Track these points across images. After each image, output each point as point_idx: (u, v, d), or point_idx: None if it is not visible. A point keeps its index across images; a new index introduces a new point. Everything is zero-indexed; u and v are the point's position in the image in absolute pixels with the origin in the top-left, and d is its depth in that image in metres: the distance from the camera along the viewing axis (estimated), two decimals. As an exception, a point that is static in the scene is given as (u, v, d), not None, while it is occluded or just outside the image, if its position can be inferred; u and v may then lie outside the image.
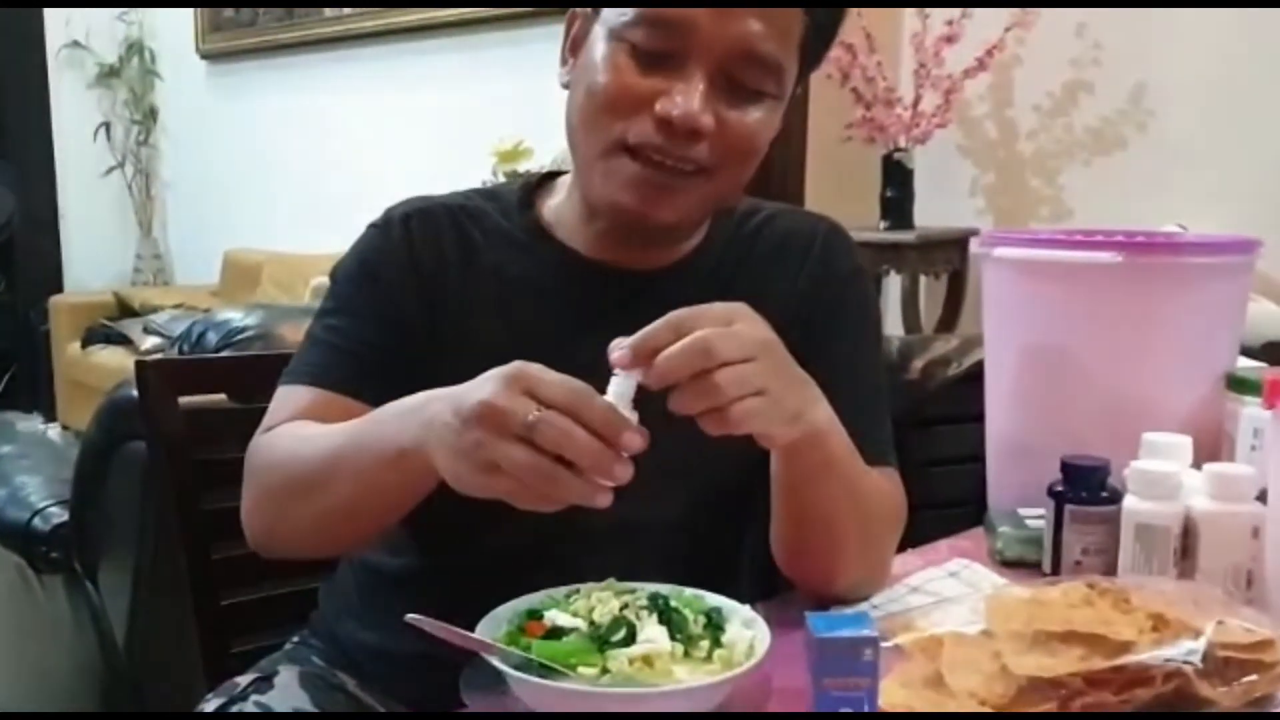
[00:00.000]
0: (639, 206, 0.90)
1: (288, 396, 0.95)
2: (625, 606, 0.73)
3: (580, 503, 0.69)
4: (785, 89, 0.92)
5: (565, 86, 0.95)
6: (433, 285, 0.96)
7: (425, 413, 0.75)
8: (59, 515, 1.76)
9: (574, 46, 0.95)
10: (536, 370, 0.71)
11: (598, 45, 0.90)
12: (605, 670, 0.69)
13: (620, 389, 0.73)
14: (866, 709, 0.68)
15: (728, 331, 0.75)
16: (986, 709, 0.71)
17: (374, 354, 0.95)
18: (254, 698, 0.98)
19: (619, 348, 0.74)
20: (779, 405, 0.76)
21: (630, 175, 0.89)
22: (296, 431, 0.91)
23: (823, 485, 0.87)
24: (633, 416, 0.71)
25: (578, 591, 0.78)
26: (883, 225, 2.88)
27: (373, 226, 1.00)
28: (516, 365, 0.71)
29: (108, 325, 4.38)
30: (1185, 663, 0.72)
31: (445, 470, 0.73)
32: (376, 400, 0.87)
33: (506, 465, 0.69)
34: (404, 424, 0.78)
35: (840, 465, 0.87)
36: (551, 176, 1.05)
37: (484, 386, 0.70)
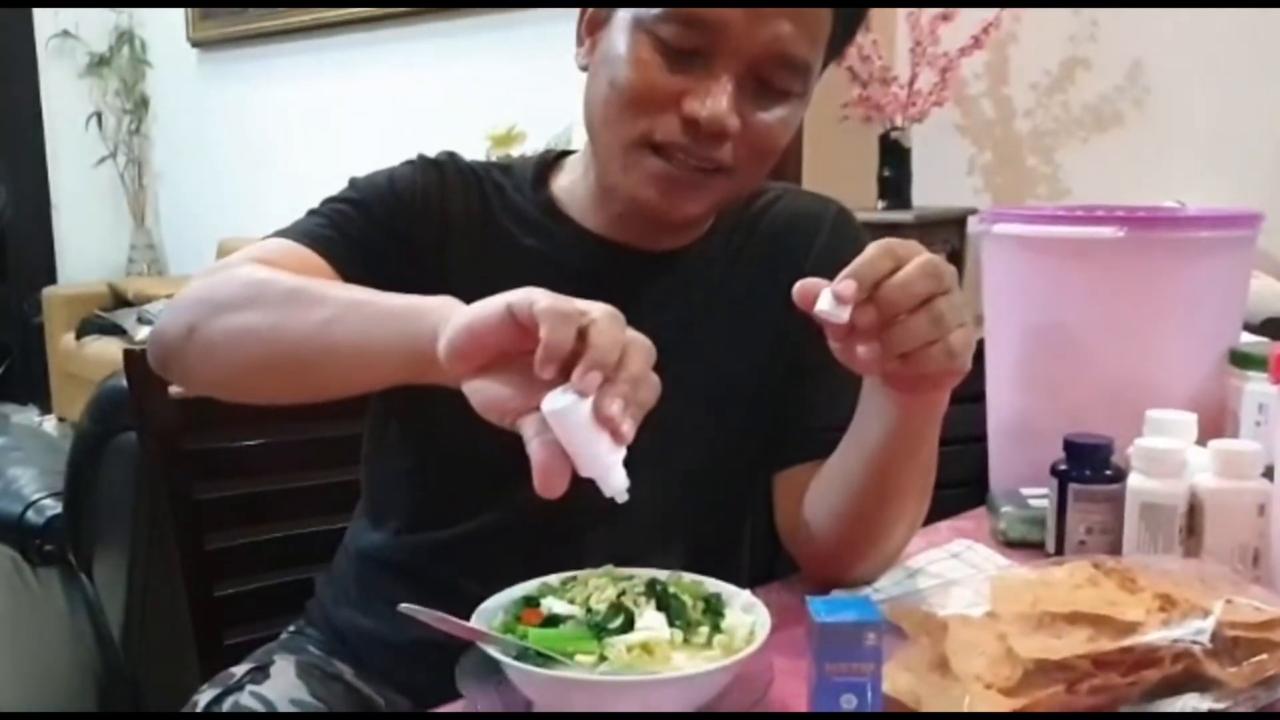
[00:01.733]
0: (660, 203, 0.90)
1: (271, 243, 0.90)
2: (623, 593, 0.72)
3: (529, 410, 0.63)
4: (811, 87, 0.91)
5: (583, 69, 0.93)
6: (452, 236, 0.95)
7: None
8: (53, 508, 1.74)
9: (591, 26, 0.93)
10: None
11: (621, 35, 0.88)
12: (603, 658, 0.67)
13: None
14: (870, 695, 0.67)
15: (936, 258, 0.73)
16: (992, 692, 0.70)
17: (371, 246, 0.91)
18: (250, 688, 0.97)
19: (843, 280, 0.70)
20: (973, 335, 0.74)
21: (654, 172, 0.88)
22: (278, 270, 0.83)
23: (923, 439, 0.84)
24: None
25: (574, 579, 0.76)
26: (880, 205, 2.86)
27: (408, 163, 0.98)
28: None
29: (102, 316, 4.37)
30: (1194, 643, 0.71)
31: (467, 309, 0.66)
32: (362, 281, 0.81)
33: (539, 310, 0.62)
34: (439, 299, 0.71)
35: (939, 421, 0.84)
36: (563, 155, 1.04)
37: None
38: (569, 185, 0.99)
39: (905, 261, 0.71)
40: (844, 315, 0.71)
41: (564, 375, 0.62)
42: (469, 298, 0.69)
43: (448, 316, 0.68)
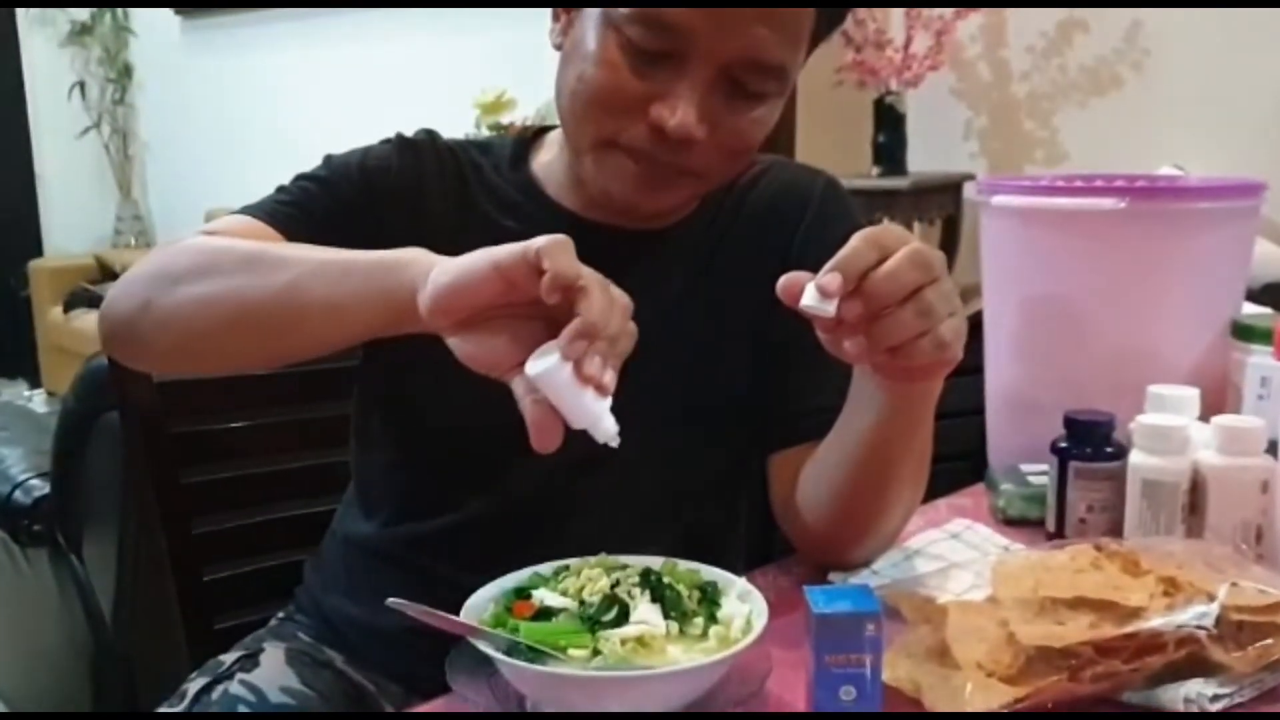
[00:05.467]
0: (632, 199, 0.88)
1: (233, 219, 0.89)
2: (616, 584, 0.70)
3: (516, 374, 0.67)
4: (789, 84, 0.87)
5: (557, 48, 0.90)
6: (427, 218, 0.93)
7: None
8: (40, 488, 1.73)
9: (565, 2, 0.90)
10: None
11: (591, 29, 0.84)
12: (597, 652, 0.66)
13: None
14: (869, 685, 0.65)
15: (924, 247, 0.70)
16: (994, 680, 0.68)
17: (334, 230, 0.88)
18: (240, 676, 0.95)
19: (827, 274, 0.68)
20: (964, 324, 0.72)
21: (623, 171, 0.86)
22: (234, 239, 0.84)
23: (918, 424, 0.82)
24: None
25: (566, 568, 0.75)
26: (875, 172, 2.83)
27: (385, 142, 0.96)
28: None
29: (89, 289, 4.33)
30: (1198, 628, 0.70)
31: (450, 265, 0.68)
32: None
33: (542, 250, 0.65)
34: (412, 251, 0.73)
35: (933, 405, 0.82)
36: (543, 131, 1.01)
37: None
38: (548, 162, 0.97)
39: (892, 251, 0.69)
40: (830, 309, 0.68)
41: (558, 310, 0.66)
42: None
43: (426, 270, 0.69)
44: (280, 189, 0.93)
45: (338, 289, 0.73)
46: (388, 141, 0.96)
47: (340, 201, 0.91)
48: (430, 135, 0.98)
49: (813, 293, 0.69)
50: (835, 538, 0.90)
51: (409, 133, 0.98)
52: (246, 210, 0.90)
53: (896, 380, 0.77)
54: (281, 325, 0.77)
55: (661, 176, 0.86)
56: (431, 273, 0.69)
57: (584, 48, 0.85)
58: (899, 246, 0.69)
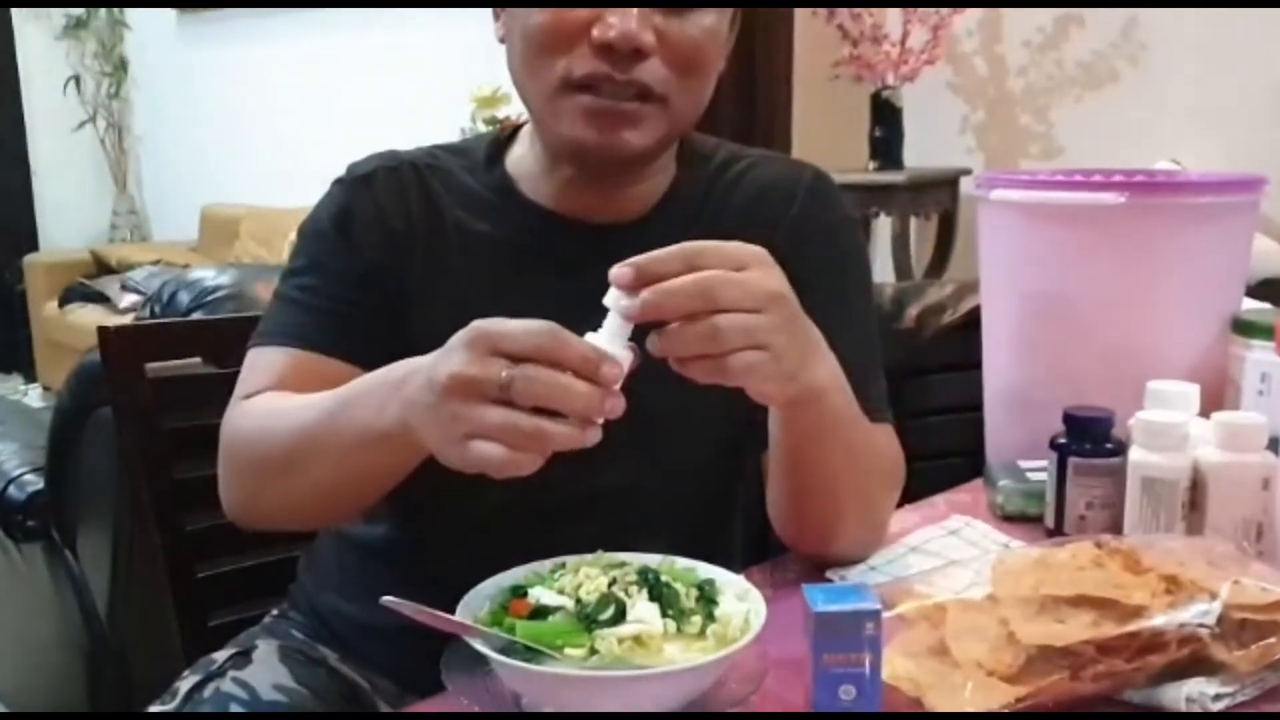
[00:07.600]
0: (599, 138, 0.87)
1: (260, 360, 0.92)
2: (614, 583, 0.69)
3: (571, 446, 0.66)
4: None
5: (502, 40, 0.91)
6: (401, 242, 0.93)
7: (404, 391, 0.72)
8: (34, 483, 1.72)
9: None
10: (497, 326, 0.67)
11: None
12: (593, 651, 0.65)
13: (613, 326, 0.68)
14: (869, 685, 0.65)
15: (738, 277, 0.70)
16: (994, 679, 0.68)
17: (348, 310, 0.92)
18: (232, 674, 0.95)
19: (625, 265, 0.69)
20: (779, 362, 0.72)
21: (584, 109, 0.86)
22: (271, 405, 0.88)
23: (822, 446, 0.84)
24: (625, 355, 0.67)
25: (563, 566, 0.74)
26: (872, 166, 2.82)
27: (338, 183, 0.97)
28: (475, 326, 0.67)
29: (85, 284, 4.32)
30: (1200, 626, 0.69)
31: (434, 448, 0.70)
32: (353, 356, 0.86)
33: (488, 431, 0.65)
34: (383, 404, 0.74)
35: (840, 426, 0.83)
36: (519, 128, 1.00)
37: (451, 357, 0.67)
38: (520, 156, 0.97)
39: (700, 268, 0.69)
40: (624, 304, 0.68)
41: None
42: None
43: (403, 409, 0.72)
44: (280, 297, 0.94)
45: (374, 453, 0.78)
46: (340, 181, 0.97)
47: (338, 279, 0.93)
48: (382, 160, 0.97)
49: (613, 289, 0.69)
50: (801, 539, 0.92)
51: (360, 161, 0.98)
52: (269, 339, 0.92)
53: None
54: (359, 493, 0.86)
55: (622, 110, 0.86)
56: (405, 419, 0.72)
57: (520, 11, 0.87)
58: (716, 266, 0.70)
